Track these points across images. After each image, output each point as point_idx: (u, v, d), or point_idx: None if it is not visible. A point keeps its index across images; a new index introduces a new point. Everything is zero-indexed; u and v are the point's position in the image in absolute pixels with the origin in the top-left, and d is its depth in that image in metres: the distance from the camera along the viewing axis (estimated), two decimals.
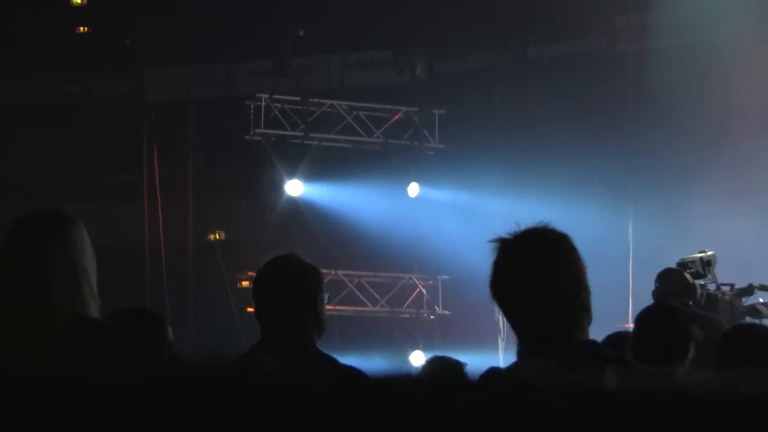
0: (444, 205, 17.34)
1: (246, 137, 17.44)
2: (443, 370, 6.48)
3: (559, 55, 17.64)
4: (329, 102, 17.81)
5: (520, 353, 5.25)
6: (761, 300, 9.97)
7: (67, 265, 3.74)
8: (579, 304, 3.43)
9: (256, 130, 17.43)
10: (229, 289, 17.11)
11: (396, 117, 18.01)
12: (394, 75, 18.11)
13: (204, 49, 17.99)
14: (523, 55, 17.94)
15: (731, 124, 15.02)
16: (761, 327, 6.21)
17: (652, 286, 8.73)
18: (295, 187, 17.41)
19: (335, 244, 16.15)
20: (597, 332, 3.80)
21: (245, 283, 16.81)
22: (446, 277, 17.77)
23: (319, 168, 17.39)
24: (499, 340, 15.95)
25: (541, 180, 15.58)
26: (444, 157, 17.83)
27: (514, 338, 5.30)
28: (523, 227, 3.47)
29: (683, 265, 9.33)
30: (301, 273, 4.45)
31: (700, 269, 9.48)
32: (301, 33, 17.69)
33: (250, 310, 16.48)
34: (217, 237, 18.08)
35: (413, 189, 17.66)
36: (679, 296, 8.48)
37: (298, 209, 17.35)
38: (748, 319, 9.36)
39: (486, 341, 15.72)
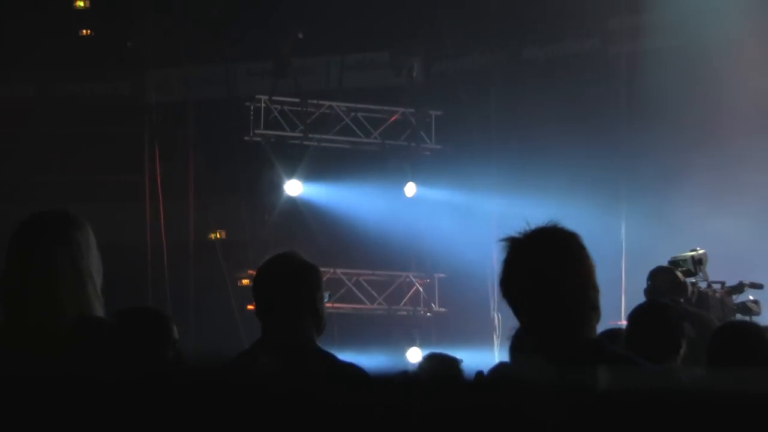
0: (440, 205, 17.35)
1: (246, 138, 17.45)
2: (440, 366, 6.49)
3: (554, 56, 17.65)
4: (328, 103, 17.82)
5: (514, 349, 5.28)
6: (751, 298, 9.98)
7: (72, 266, 3.75)
8: (588, 303, 3.44)
9: (256, 131, 17.44)
10: (230, 288, 17.12)
11: (393, 118, 18.03)
12: (392, 77, 18.13)
13: (204, 51, 18.00)
14: (518, 56, 17.94)
15: (722, 124, 15.03)
16: (751, 324, 6.22)
17: (644, 284, 8.76)
18: (294, 187, 17.43)
19: (334, 243, 16.17)
20: None
21: (245, 282, 16.82)
22: (443, 275, 17.79)
23: (318, 168, 17.40)
24: (495, 337, 15.97)
25: (537, 180, 15.59)
26: (440, 157, 17.85)
27: (508, 335, 5.33)
28: (532, 226, 3.48)
29: (675, 263, 9.35)
30: (301, 271, 4.46)
31: (692, 267, 9.49)
32: (301, 35, 17.70)
33: (250, 307, 16.47)
34: (218, 236, 18.08)
35: (410, 189, 17.67)
36: (670, 294, 8.50)
37: (297, 209, 17.36)
38: (738, 317, 9.37)
39: (481, 338, 15.75)
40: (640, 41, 16.98)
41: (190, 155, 18.00)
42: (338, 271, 16.79)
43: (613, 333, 5.42)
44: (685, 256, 9.51)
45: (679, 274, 9.03)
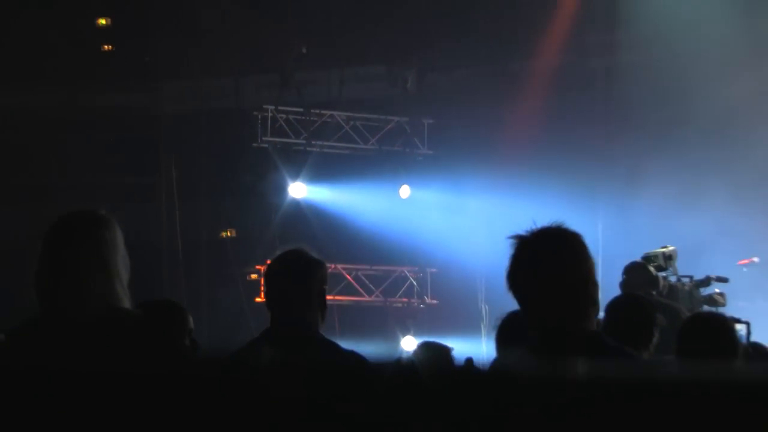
0: (432, 205, 17.34)
1: (254, 144, 17.45)
2: (433, 353, 6.48)
3: (538, 68, 17.64)
4: (329, 112, 17.82)
5: (499, 337, 5.28)
6: (717, 290, 10.00)
7: (101, 263, 3.74)
8: (588, 297, 3.44)
9: (263, 138, 17.44)
10: (239, 282, 17.12)
11: (389, 126, 18.03)
12: (388, 88, 18.12)
13: (215, 65, 17.99)
14: (505, 68, 17.94)
15: (690, 130, 15.04)
16: (718, 315, 6.24)
17: (620, 278, 8.76)
18: (298, 190, 17.43)
19: (334, 241, 16.15)
20: None
21: (254, 276, 16.84)
22: (434, 269, 17.80)
23: (320, 172, 17.40)
24: (482, 326, 15.96)
25: (520, 182, 15.60)
26: (432, 161, 17.86)
27: (494, 324, 5.32)
28: (539, 225, 3.48)
29: (647, 259, 9.36)
30: (309, 266, 4.45)
31: (663, 263, 9.51)
32: (304, 50, 17.68)
33: (258, 300, 16.44)
34: (228, 234, 18.07)
35: (405, 191, 17.67)
36: (644, 287, 8.51)
37: (301, 209, 17.36)
38: (705, 308, 9.39)
39: (470, 327, 15.73)
40: (616, 55, 16.99)
41: (202, 160, 17.98)
42: (338, 266, 16.79)
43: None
44: (656, 252, 9.53)
45: (652, 269, 9.05)
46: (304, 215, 17.19)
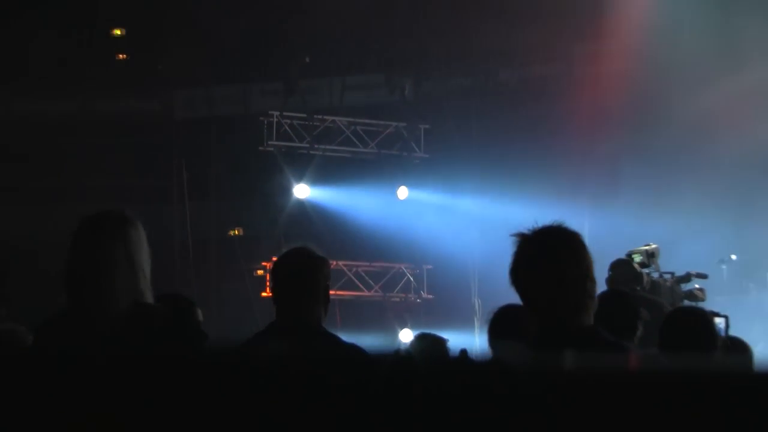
0: (428, 206, 17.35)
1: (260, 148, 17.44)
2: (428, 345, 6.47)
3: (526, 78, 17.65)
4: (331, 118, 17.81)
5: (491, 330, 5.26)
6: (697, 286, 9.97)
7: (127, 259, 3.73)
8: (586, 292, 3.43)
9: (269, 142, 17.43)
10: (246, 278, 17.10)
11: (387, 131, 18.03)
12: (386, 95, 18.11)
13: (224, 73, 17.98)
14: (495, 78, 17.95)
15: (664, 136, 15.05)
16: (698, 309, 6.21)
17: (605, 275, 8.74)
18: (302, 191, 17.42)
19: (336, 239, 16.14)
20: None
21: (260, 272, 16.82)
22: (430, 266, 17.79)
23: (323, 174, 17.40)
24: (475, 319, 15.95)
25: (511, 184, 15.59)
26: (428, 165, 17.85)
27: (486, 318, 5.30)
28: (540, 225, 3.47)
29: (631, 256, 9.34)
30: (313, 262, 4.43)
31: (646, 260, 9.48)
32: (307, 59, 17.69)
33: (264, 294, 16.42)
34: (236, 233, 18.04)
35: (402, 192, 17.66)
36: (628, 283, 8.48)
37: (305, 209, 17.35)
38: (686, 303, 9.36)
39: (464, 320, 15.72)
40: (602, 64, 16.99)
41: (211, 163, 17.97)
42: (340, 263, 16.77)
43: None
44: (640, 249, 9.51)
45: (636, 266, 9.03)
46: (308, 215, 17.18)
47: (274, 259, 4.67)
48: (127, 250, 3.73)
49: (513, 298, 4.87)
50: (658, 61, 15.30)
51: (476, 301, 16.38)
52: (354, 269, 17.48)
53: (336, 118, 17.82)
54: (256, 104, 18.20)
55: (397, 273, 17.92)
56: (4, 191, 16.98)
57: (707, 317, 5.31)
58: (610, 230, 14.47)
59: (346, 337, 4.41)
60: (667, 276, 9.72)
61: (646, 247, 9.61)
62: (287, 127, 17.54)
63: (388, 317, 17.33)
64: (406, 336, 16.12)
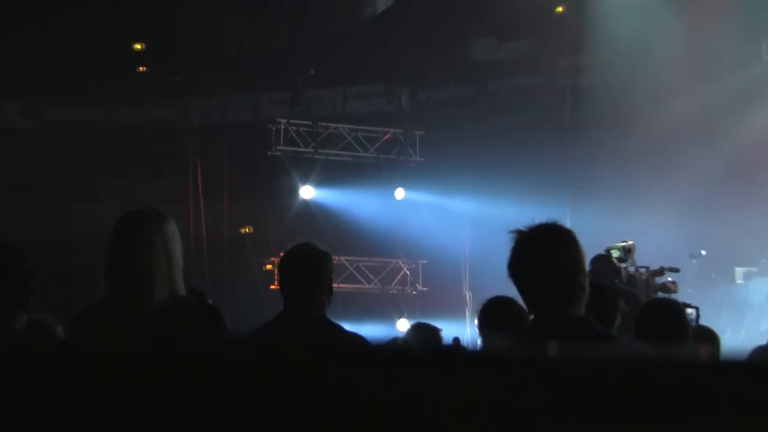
0: (423, 205, 17.34)
1: (269, 153, 17.43)
2: (423, 333, 6.45)
3: (513, 88, 17.64)
4: (334, 125, 17.80)
5: (481, 320, 5.25)
6: (669, 279, 9.98)
7: (164, 252, 3.70)
8: (579, 285, 3.41)
9: (277, 147, 17.41)
10: (256, 272, 17.09)
11: (386, 137, 18.01)
12: (385, 104, 18.11)
13: (236, 84, 17.97)
14: (485, 88, 17.94)
15: (636, 143, 15.06)
16: (671, 301, 6.20)
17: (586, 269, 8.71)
18: (307, 192, 17.41)
19: (338, 236, 16.13)
20: None
21: (269, 267, 16.80)
22: (425, 261, 17.77)
23: (326, 177, 17.39)
24: (466, 310, 15.95)
25: (500, 186, 15.58)
26: (423, 168, 17.84)
27: (476, 308, 5.29)
28: (536, 222, 3.46)
29: (610, 251, 9.34)
30: (317, 257, 4.41)
31: (623, 255, 9.48)
32: (312, 71, 17.70)
33: (272, 287, 16.39)
34: (247, 231, 18.04)
35: (399, 193, 17.65)
36: (607, 276, 8.48)
37: (310, 209, 17.34)
38: (660, 294, 9.36)
39: (456, 311, 15.72)
40: (582, 76, 17.01)
41: (224, 167, 17.96)
42: (342, 258, 16.75)
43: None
44: (618, 246, 9.51)
45: (614, 261, 9.02)
46: (312, 214, 17.17)
47: (282, 254, 4.65)
48: (165, 244, 3.72)
49: (501, 290, 4.87)
50: (631, 73, 15.31)
51: (467, 293, 16.37)
52: (355, 264, 17.47)
53: (338, 125, 17.81)
54: (264, 112, 18.20)
55: (395, 267, 17.91)
56: (34, 192, 16.98)
57: (680, 308, 5.30)
58: (590, 229, 14.47)
59: (348, 326, 4.41)
60: (643, 270, 9.73)
61: (623, 244, 9.61)
62: (293, 134, 17.52)
63: (386, 308, 17.32)
64: (403, 325, 16.11)
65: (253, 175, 17.84)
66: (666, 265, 10.05)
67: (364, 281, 17.57)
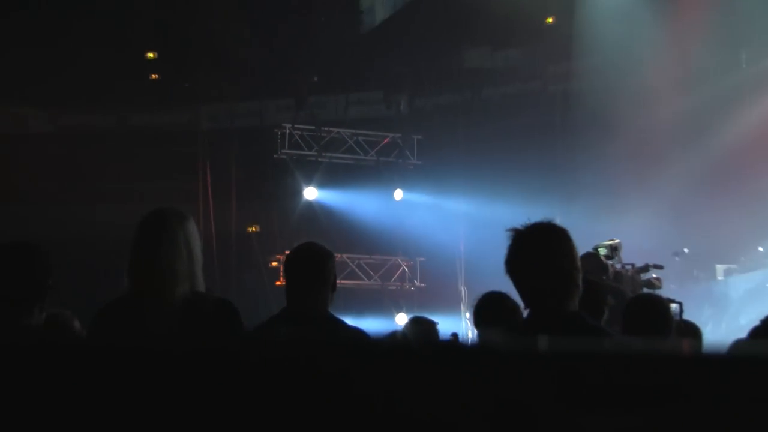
0: (421, 206, 17.33)
1: (274, 156, 17.42)
2: (421, 327, 6.44)
3: (506, 94, 17.64)
4: (336, 130, 17.79)
5: (476, 314, 5.25)
6: (654, 275, 9.95)
7: (187, 249, 3.69)
8: (572, 281, 3.39)
9: (282, 151, 17.41)
10: (263, 268, 17.09)
11: (385, 141, 18.00)
12: (384, 110, 18.12)
13: (243, 91, 17.97)
14: (479, 95, 17.94)
15: (629, 146, 15.06)
16: (655, 296, 6.18)
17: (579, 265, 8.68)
18: (310, 193, 17.40)
19: (340, 234, 16.12)
20: None
21: (274, 264, 16.80)
22: (422, 258, 17.76)
23: (329, 179, 17.38)
24: (462, 305, 15.94)
25: (493, 188, 15.57)
26: (421, 170, 17.84)
27: (471, 304, 5.28)
28: (532, 221, 3.45)
29: (597, 249, 9.32)
30: (321, 255, 4.39)
31: (610, 253, 9.45)
32: (315, 79, 17.69)
33: (278, 283, 16.39)
34: (253, 229, 18.04)
35: (398, 194, 17.65)
36: (595, 273, 8.45)
37: (313, 209, 17.33)
38: (645, 290, 9.34)
39: (452, 306, 15.72)
40: (571, 83, 17.00)
41: (232, 169, 17.95)
42: (344, 255, 16.76)
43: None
44: (605, 244, 9.48)
45: (602, 258, 9.00)
46: (316, 214, 17.16)
47: (287, 252, 4.64)
48: (187, 242, 3.71)
49: (495, 286, 4.86)
50: (616, 81, 15.31)
51: (463, 289, 16.36)
52: (356, 261, 17.46)
53: (340, 130, 17.80)
54: (270, 118, 18.19)
55: (394, 264, 17.91)
56: (53, 193, 16.98)
57: (664, 303, 5.29)
58: (579, 228, 14.45)
59: (349, 320, 4.39)
60: (629, 267, 9.70)
61: (611, 242, 9.58)
62: (298, 138, 17.52)
63: (385, 303, 17.31)
64: (402, 319, 16.10)
65: (259, 177, 17.83)
66: (651, 262, 10.02)
67: (364, 278, 17.57)
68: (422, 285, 17.81)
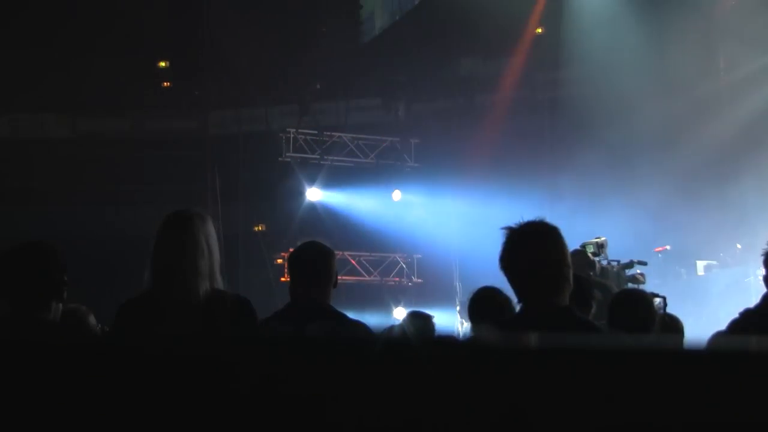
0: (418, 206, 17.34)
1: (279, 159, 17.42)
2: (418, 321, 6.43)
3: (498, 101, 17.64)
4: (338, 134, 17.79)
5: (470, 309, 5.24)
6: (638, 271, 9.95)
7: (207, 249, 3.67)
8: (563, 277, 3.38)
9: (287, 154, 17.40)
10: (268, 265, 17.07)
11: (384, 144, 18.00)
12: (383, 115, 18.12)
13: (249, 98, 17.96)
14: (473, 101, 17.94)
15: (612, 149, 15.06)
16: (640, 291, 6.20)
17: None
18: (313, 194, 17.40)
19: (341, 233, 16.12)
20: None
21: (279, 261, 16.77)
22: (419, 255, 17.77)
23: (331, 180, 17.38)
24: (456, 299, 15.93)
25: (486, 188, 15.57)
26: (418, 172, 17.84)
27: (466, 298, 5.27)
28: (525, 219, 3.44)
29: (585, 246, 9.31)
30: (323, 253, 4.39)
31: (596, 250, 9.45)
32: (318, 86, 17.69)
33: (283, 279, 16.37)
34: (260, 228, 18.02)
35: (397, 195, 17.64)
36: (583, 269, 8.45)
37: (316, 209, 17.33)
38: (630, 285, 9.34)
39: (447, 301, 15.70)
40: (559, 90, 17.01)
41: (239, 171, 17.94)
42: (345, 253, 16.75)
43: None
44: (592, 241, 9.48)
45: (589, 254, 8.99)
46: (318, 213, 17.16)
47: (291, 250, 4.63)
48: (207, 241, 3.69)
49: (487, 281, 4.85)
50: (600, 88, 15.31)
51: (457, 284, 16.35)
52: (357, 258, 17.46)
53: (342, 134, 17.80)
54: (275, 123, 18.18)
55: (392, 261, 17.90)
56: (68, 195, 16.97)
57: (648, 298, 5.29)
58: (567, 227, 14.43)
59: (350, 314, 4.39)
60: (614, 263, 9.70)
61: (597, 240, 9.58)
62: (302, 142, 17.51)
63: (384, 298, 17.30)
64: (400, 313, 16.09)
65: (265, 179, 17.82)
66: (635, 259, 10.02)
67: (364, 274, 17.56)
68: (419, 280, 17.81)
